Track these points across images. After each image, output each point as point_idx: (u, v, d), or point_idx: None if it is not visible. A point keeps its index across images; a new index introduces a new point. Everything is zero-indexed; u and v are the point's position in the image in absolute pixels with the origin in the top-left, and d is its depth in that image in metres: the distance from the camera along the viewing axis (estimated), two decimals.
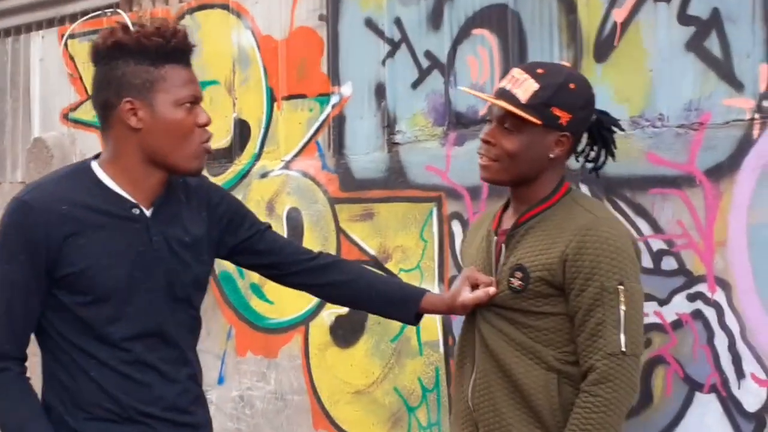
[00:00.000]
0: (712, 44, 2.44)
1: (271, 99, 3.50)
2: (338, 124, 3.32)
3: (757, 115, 2.37)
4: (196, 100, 1.88)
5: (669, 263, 2.51)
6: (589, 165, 2.18)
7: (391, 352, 3.20)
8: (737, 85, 2.40)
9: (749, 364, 2.38)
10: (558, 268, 1.98)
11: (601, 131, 2.14)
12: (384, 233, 3.21)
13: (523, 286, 2.01)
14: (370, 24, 3.22)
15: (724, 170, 2.42)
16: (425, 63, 3.08)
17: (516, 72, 2.07)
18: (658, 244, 2.53)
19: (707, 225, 2.44)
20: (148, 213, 1.89)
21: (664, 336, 2.52)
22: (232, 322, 3.67)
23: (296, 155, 3.45)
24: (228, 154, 3.65)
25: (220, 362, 3.67)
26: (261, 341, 3.57)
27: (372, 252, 3.24)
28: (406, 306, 2.15)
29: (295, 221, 3.45)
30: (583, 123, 2.09)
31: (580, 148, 2.16)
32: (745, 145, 2.38)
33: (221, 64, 3.65)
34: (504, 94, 2.04)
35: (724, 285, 2.42)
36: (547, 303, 2.01)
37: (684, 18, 2.49)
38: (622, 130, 2.25)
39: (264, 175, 3.55)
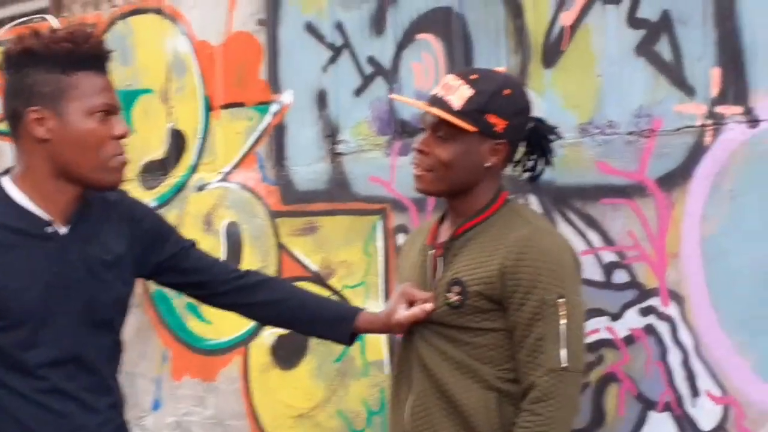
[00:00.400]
0: (663, 48, 2.40)
1: (208, 108, 3.43)
2: (278, 133, 3.24)
3: (709, 121, 2.32)
4: (111, 110, 1.80)
5: (620, 276, 2.47)
6: (527, 174, 2.14)
7: (335, 373, 3.13)
8: (689, 90, 2.35)
9: (704, 381, 2.34)
10: (497, 281, 1.94)
11: (539, 139, 2.10)
12: (327, 248, 3.14)
13: (461, 300, 1.96)
14: (310, 29, 3.14)
15: (676, 179, 2.37)
16: (368, 69, 3.02)
17: (450, 78, 2.02)
18: (608, 257, 2.48)
19: (659, 236, 2.39)
20: (64, 230, 1.81)
21: (615, 352, 2.48)
22: (168, 343, 3.59)
23: (235, 167, 3.37)
24: (163, 167, 3.58)
25: (155, 386, 3.59)
26: (198, 364, 3.49)
27: (314, 268, 3.17)
28: (339, 326, 2.10)
29: (234, 236, 3.38)
30: (520, 130, 2.04)
31: (518, 157, 2.11)
32: (697, 152, 2.34)
33: (155, 71, 3.57)
34: (437, 102, 2.00)
35: (678, 298, 2.38)
36: (486, 318, 1.96)
37: (633, 21, 2.45)
38: (560, 137, 2.20)
39: (201, 188, 3.48)
